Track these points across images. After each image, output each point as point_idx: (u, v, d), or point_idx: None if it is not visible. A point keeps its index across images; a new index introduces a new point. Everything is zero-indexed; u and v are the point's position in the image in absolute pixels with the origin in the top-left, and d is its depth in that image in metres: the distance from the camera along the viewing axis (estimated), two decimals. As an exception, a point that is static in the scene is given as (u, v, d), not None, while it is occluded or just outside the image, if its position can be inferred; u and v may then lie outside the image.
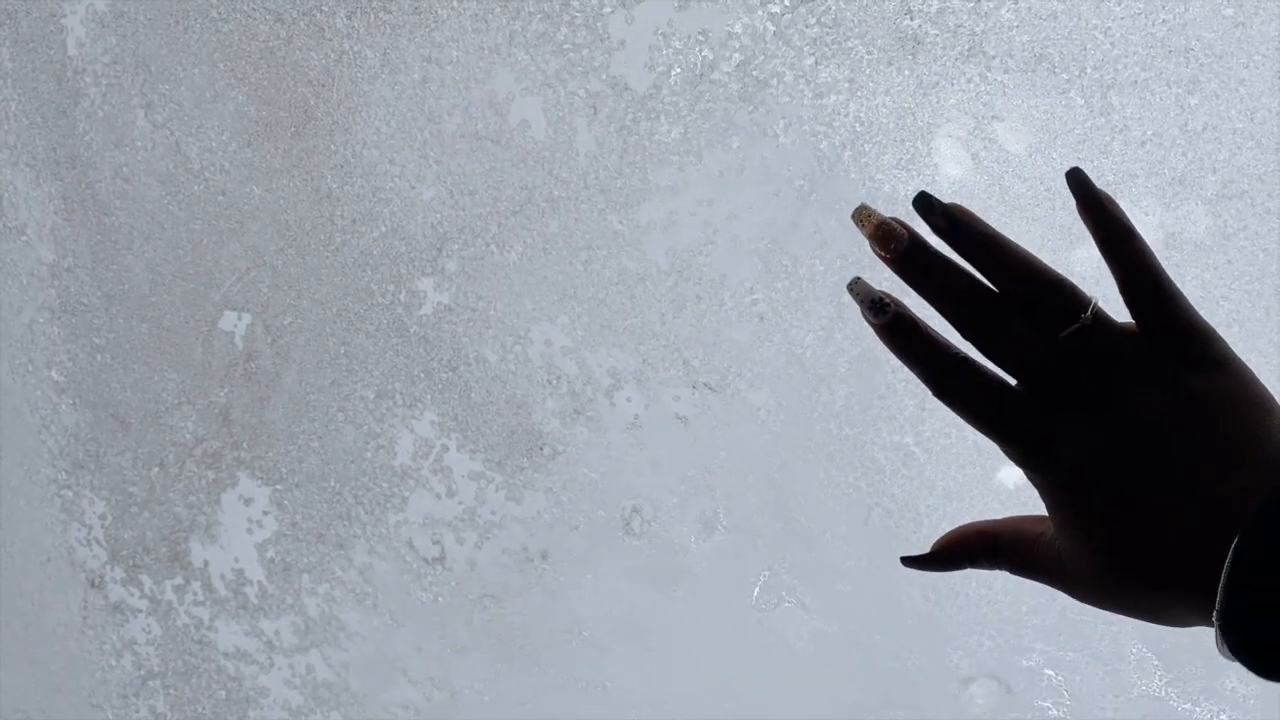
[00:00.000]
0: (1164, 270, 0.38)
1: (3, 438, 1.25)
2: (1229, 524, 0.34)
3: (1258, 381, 0.38)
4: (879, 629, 0.98)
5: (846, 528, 0.97)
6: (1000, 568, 0.42)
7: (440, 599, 1.10)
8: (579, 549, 1.05)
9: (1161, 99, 0.82)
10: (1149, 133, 0.83)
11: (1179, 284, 0.38)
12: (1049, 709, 0.97)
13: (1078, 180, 0.39)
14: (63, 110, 1.10)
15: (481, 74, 0.96)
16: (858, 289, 0.40)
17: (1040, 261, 0.38)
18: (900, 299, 0.40)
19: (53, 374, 1.19)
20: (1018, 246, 0.39)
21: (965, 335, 0.39)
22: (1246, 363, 0.38)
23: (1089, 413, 0.37)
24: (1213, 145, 0.83)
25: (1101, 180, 0.85)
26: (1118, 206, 0.39)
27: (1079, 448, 0.37)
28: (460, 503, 1.07)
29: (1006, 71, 0.85)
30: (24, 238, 1.17)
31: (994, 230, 0.39)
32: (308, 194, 1.04)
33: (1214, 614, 0.34)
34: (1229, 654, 0.34)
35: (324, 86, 1.01)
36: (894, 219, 0.39)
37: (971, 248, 0.39)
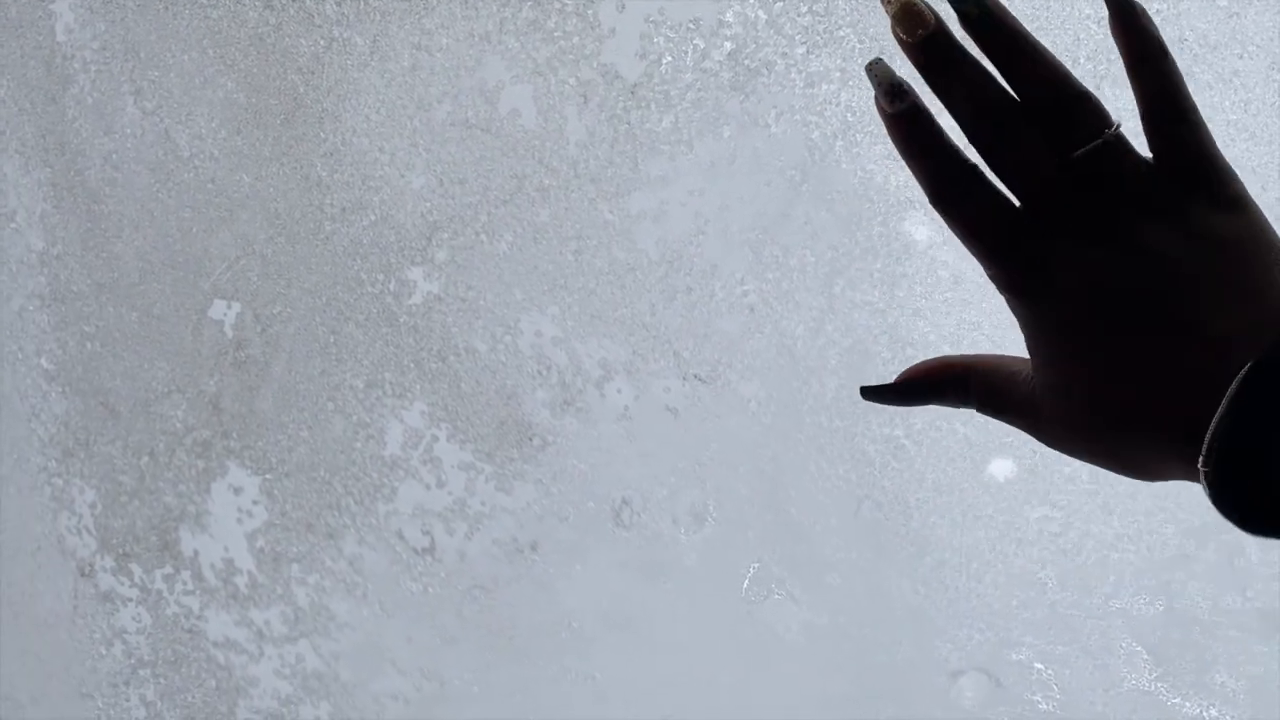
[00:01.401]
0: (1192, 98, 0.35)
1: (-7, 426, 1.24)
2: (1227, 364, 0.32)
3: (1271, 228, 0.35)
4: (869, 621, 0.98)
5: (837, 520, 0.97)
6: (969, 405, 0.40)
7: (430, 589, 1.09)
8: (569, 540, 1.04)
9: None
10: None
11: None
12: (1038, 703, 0.97)
13: None
14: (52, 97, 1.10)
15: (471, 61, 0.95)
16: (878, 69, 0.37)
17: (1068, 71, 0.36)
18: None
19: (42, 362, 1.19)
20: (1047, 51, 0.36)
21: (974, 139, 0.37)
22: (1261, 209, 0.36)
23: (1091, 239, 0.35)
24: (1206, 137, 0.82)
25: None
26: (1153, 22, 0.36)
27: (1075, 274, 0.35)
28: (450, 493, 1.06)
29: (999, 61, 0.84)
30: (13, 225, 1.16)
31: (1025, 30, 0.36)
32: (297, 182, 1.03)
33: (1200, 457, 0.32)
34: (1215, 498, 0.32)
35: (313, 74, 1.00)
36: (925, 1, 0.36)
37: (998, 43, 0.36)
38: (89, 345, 1.16)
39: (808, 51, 0.88)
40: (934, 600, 0.96)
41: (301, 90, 1.01)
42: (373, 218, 1.02)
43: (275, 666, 1.18)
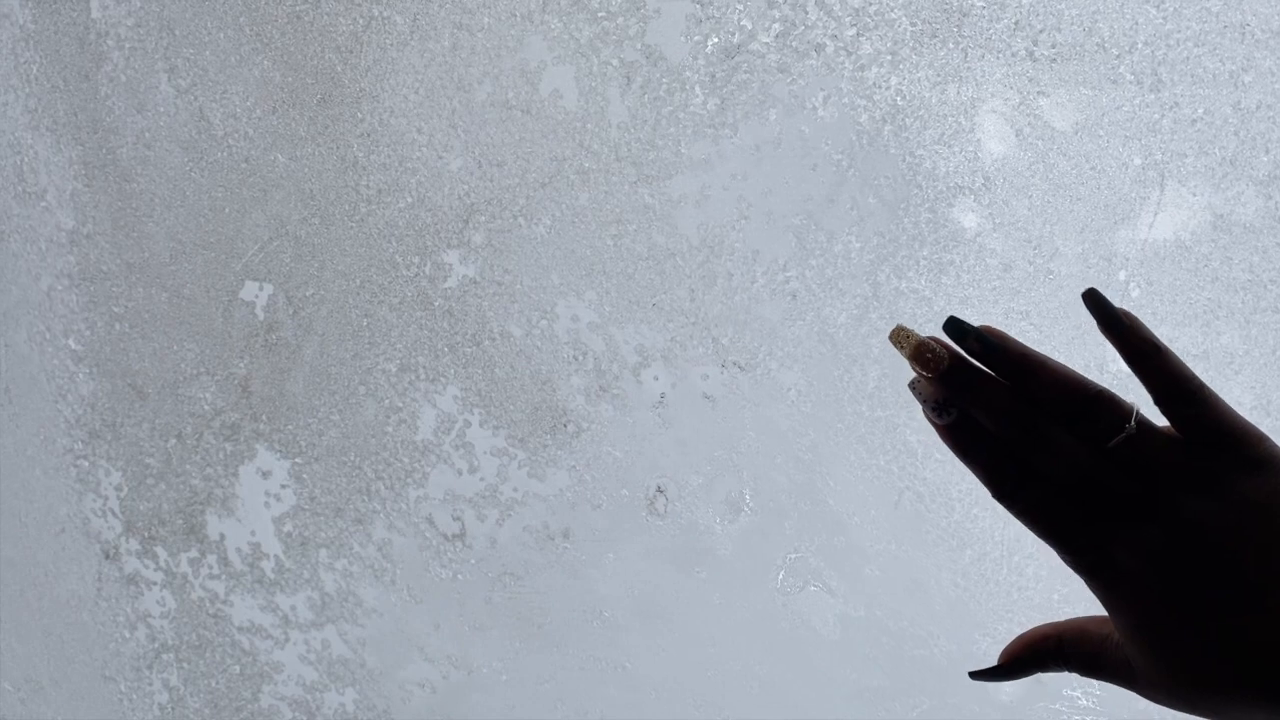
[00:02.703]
0: (1195, 377, 0.39)
1: (19, 406, 1.24)
2: None
3: None
4: (906, 615, 0.97)
5: (876, 511, 0.95)
6: (1069, 670, 0.43)
7: (459, 576, 1.08)
8: (601, 528, 1.03)
9: (1215, 76, 0.80)
10: (1200, 111, 0.81)
11: (1215, 388, 0.39)
12: (1078, 699, 0.95)
13: (1095, 300, 0.39)
14: (85, 74, 1.09)
15: (513, 41, 0.94)
16: (921, 390, 0.41)
17: (1077, 374, 0.39)
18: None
19: (70, 342, 1.18)
20: (1053, 363, 0.39)
21: (1012, 447, 0.40)
22: None
23: (1142, 520, 0.38)
24: (1266, 125, 0.80)
25: (1150, 159, 0.83)
26: (1139, 322, 0.40)
27: (1136, 555, 0.38)
28: (482, 479, 1.05)
29: (1054, 46, 0.83)
30: (44, 203, 1.15)
31: (1027, 349, 0.40)
32: (333, 163, 1.02)
33: None
34: None
35: (351, 53, 0.99)
36: (932, 339, 0.40)
37: (1008, 369, 0.40)
38: (118, 326, 1.15)
39: (858, 34, 0.87)
40: (974, 594, 0.95)
41: (339, 69, 0.99)
42: (409, 200, 1.00)
43: (301, 652, 1.17)
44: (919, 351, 0.40)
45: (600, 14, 0.92)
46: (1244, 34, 0.79)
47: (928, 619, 0.96)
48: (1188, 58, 0.81)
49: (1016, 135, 0.85)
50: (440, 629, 1.10)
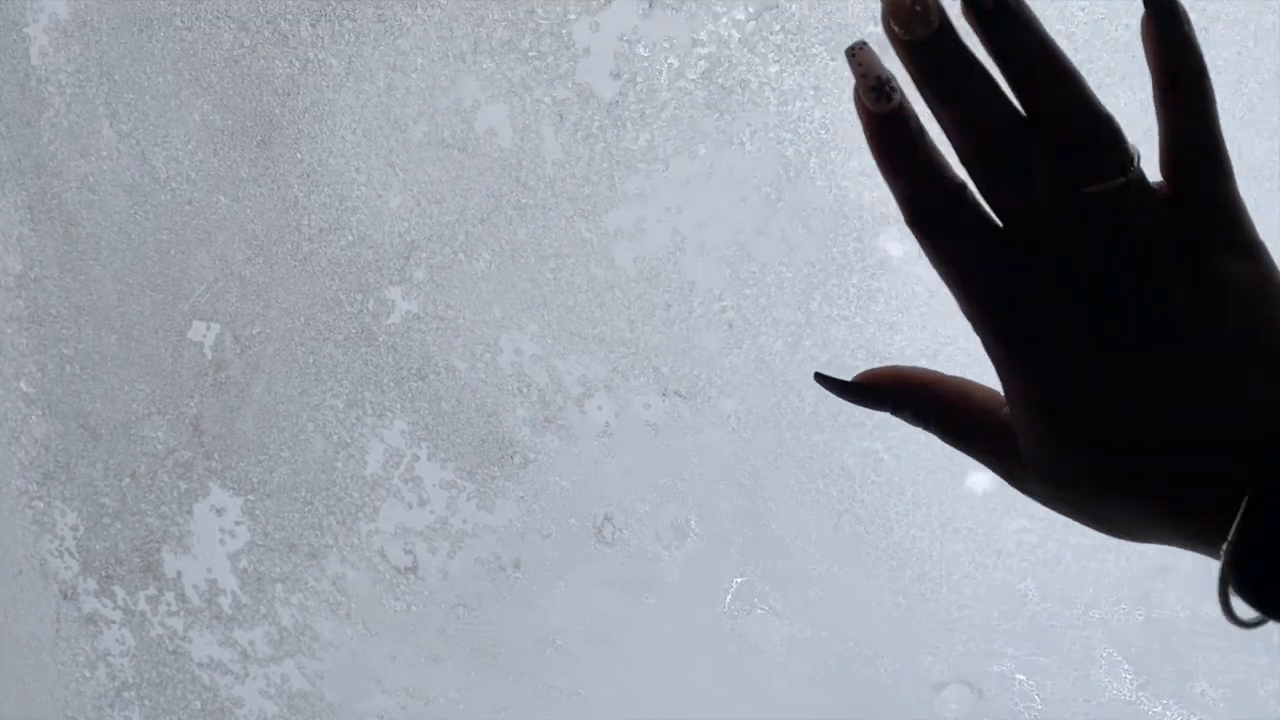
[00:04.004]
0: (1221, 129, 0.31)
1: (-27, 449, 1.24)
2: (1253, 442, 0.29)
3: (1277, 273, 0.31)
4: (851, 635, 0.98)
5: (817, 534, 0.97)
6: (927, 427, 0.36)
7: (413, 608, 1.09)
8: (551, 557, 1.04)
9: (1125, 103, 0.82)
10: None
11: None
12: (1021, 713, 0.97)
13: None
14: (27, 120, 1.10)
15: (446, 82, 0.96)
16: (862, 57, 0.31)
17: (1091, 91, 0.30)
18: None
19: (21, 385, 1.19)
20: (1070, 62, 0.30)
21: (973, 161, 0.31)
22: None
23: (1097, 286, 0.30)
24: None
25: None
26: (1196, 34, 0.31)
27: (1076, 323, 0.31)
28: (432, 512, 1.06)
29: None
30: (-10, 248, 1.16)
31: (1048, 33, 0.30)
32: (274, 203, 1.03)
33: (1224, 545, 0.29)
34: (1236, 589, 0.29)
35: (289, 95, 1.00)
36: None
37: (1014, 49, 0.30)
38: (68, 368, 1.16)
39: (781, 70, 0.88)
40: (916, 612, 0.96)
41: (277, 112, 1.01)
42: (350, 238, 1.02)
43: (260, 687, 1.17)
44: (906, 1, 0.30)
45: (531, 54, 0.93)
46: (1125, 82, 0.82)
47: (871, 638, 0.98)
48: (1099, 85, 0.83)
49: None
50: (396, 661, 1.11)
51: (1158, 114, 0.32)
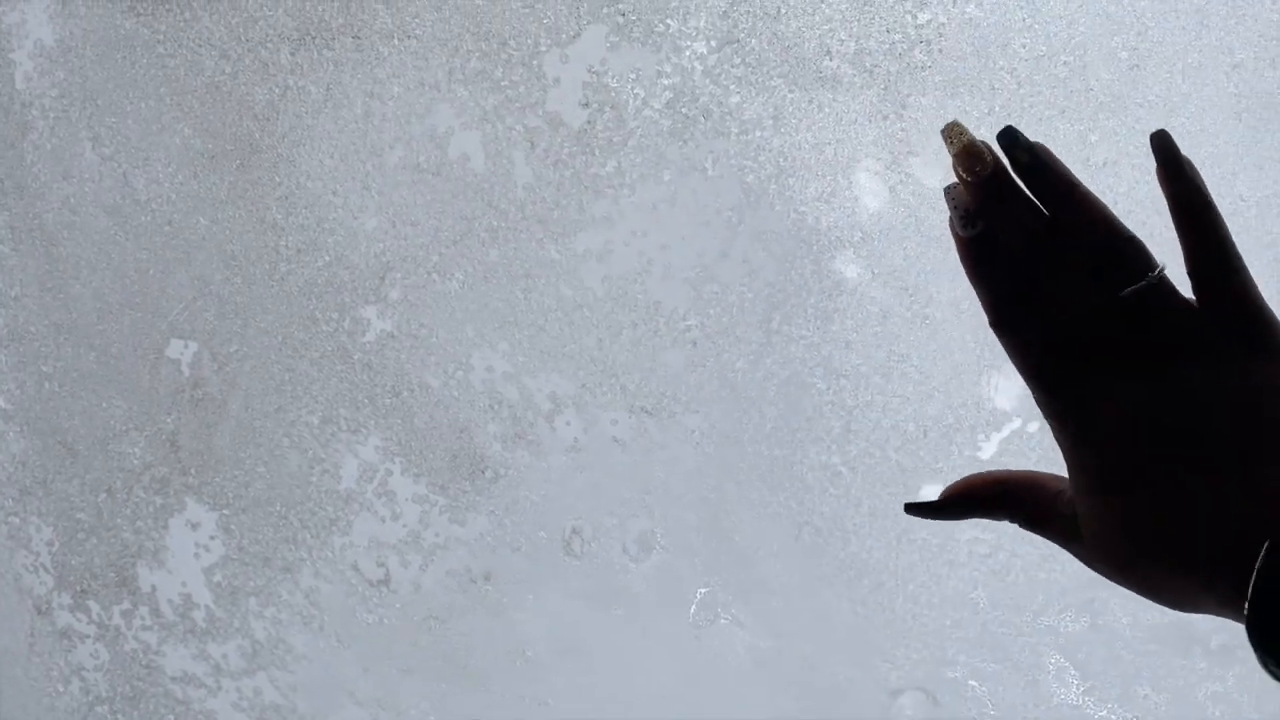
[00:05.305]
0: (1236, 247, 0.37)
1: (-51, 465, 1.25)
2: (1269, 509, 0.34)
3: None
4: (811, 643, 1.02)
5: (778, 545, 1.00)
6: (1012, 519, 0.41)
7: (385, 621, 1.12)
8: (521, 570, 1.07)
9: (1065, 135, 0.87)
10: (1054, 167, 0.88)
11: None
12: (975, 718, 1.01)
13: (1162, 142, 0.37)
14: (10, 142, 1.12)
15: (422, 109, 0.99)
16: (955, 195, 0.39)
17: (1115, 215, 0.37)
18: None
19: (0, 402, 1.20)
20: (1094, 196, 0.38)
21: (1024, 271, 0.38)
22: None
23: (1136, 376, 0.36)
24: (1113, 179, 0.88)
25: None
26: (1199, 174, 0.38)
27: (1119, 410, 0.36)
28: (404, 525, 1.09)
29: (921, 109, 0.90)
30: (-29, 267, 1.18)
31: (1075, 178, 0.38)
32: (253, 224, 1.06)
33: (1245, 603, 0.33)
34: (1258, 649, 0.33)
35: (269, 120, 1.03)
36: (983, 142, 0.38)
37: (1049, 189, 0.37)
38: (47, 385, 1.18)
39: (742, 100, 0.93)
40: (873, 621, 1.00)
41: (257, 136, 1.04)
42: (327, 258, 1.05)
43: (233, 700, 1.19)
44: (967, 150, 0.38)
45: (504, 83, 0.97)
46: (1089, 97, 0.87)
47: (830, 646, 1.01)
48: (1041, 119, 0.88)
49: (890, 191, 0.91)
50: (369, 673, 1.13)
51: (1180, 241, 0.38)
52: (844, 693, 1.02)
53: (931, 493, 0.97)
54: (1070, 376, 0.37)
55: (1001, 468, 0.44)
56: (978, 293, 0.39)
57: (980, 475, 0.42)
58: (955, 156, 0.38)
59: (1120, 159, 0.87)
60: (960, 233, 0.39)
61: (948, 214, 0.39)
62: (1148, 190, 0.87)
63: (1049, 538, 0.40)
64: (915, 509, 0.42)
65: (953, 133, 0.38)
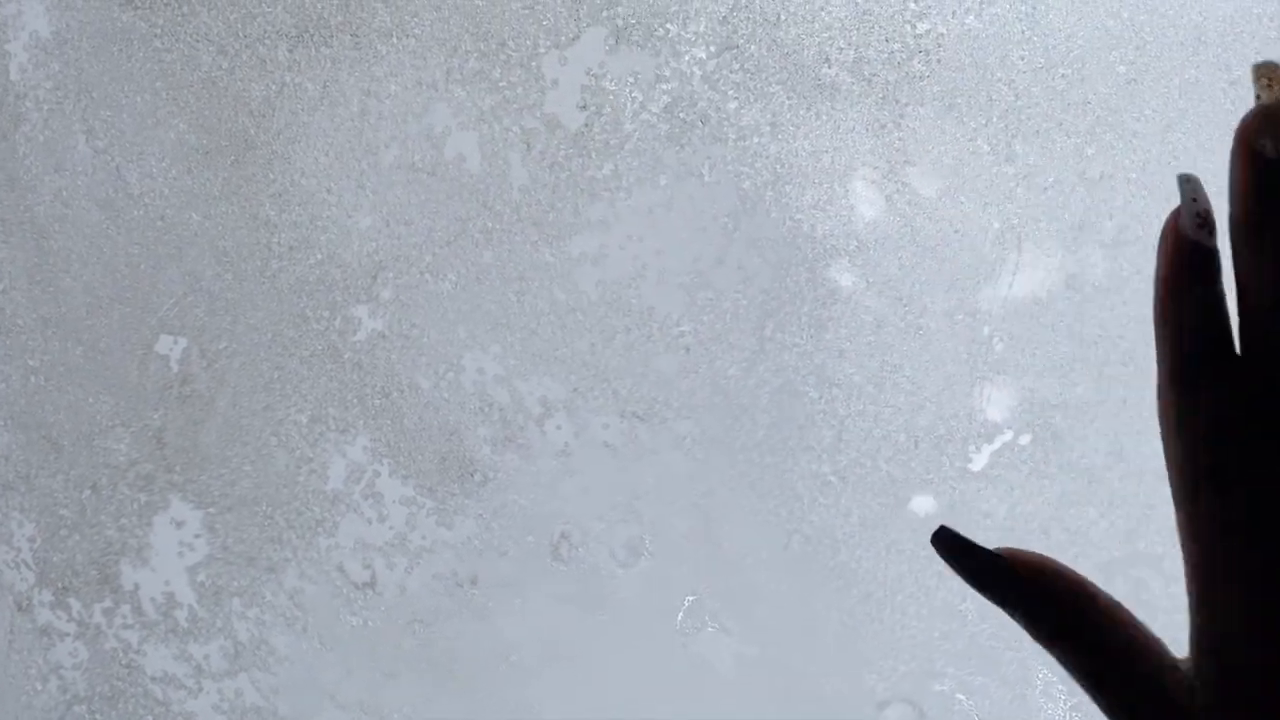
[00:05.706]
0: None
1: (-69, 458, 1.24)
2: None
3: None
4: (799, 653, 1.01)
5: (767, 554, 1.00)
6: (1067, 654, 0.29)
7: (370, 623, 1.11)
8: (508, 574, 1.06)
9: (1062, 148, 0.87)
10: (1050, 179, 0.88)
11: None
12: (961, 732, 1.00)
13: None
14: (3, 134, 1.11)
15: (418, 108, 0.99)
16: (1195, 185, 0.26)
17: None
18: None
19: (-15, 395, 1.19)
20: None
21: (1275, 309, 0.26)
22: None
23: None
24: (1109, 192, 0.88)
25: (1008, 224, 0.89)
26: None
27: None
28: (391, 528, 1.08)
29: (918, 119, 0.90)
30: (-41, 258, 1.17)
31: None
32: (246, 221, 1.05)
33: None
34: None
35: (264, 116, 1.03)
36: None
37: None
38: (33, 379, 1.17)
39: (739, 106, 0.93)
40: (861, 632, 0.99)
41: (252, 132, 1.03)
42: (319, 256, 1.04)
43: (214, 701, 1.18)
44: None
45: (501, 84, 0.97)
46: (1086, 110, 0.87)
47: (818, 656, 1.01)
48: (1038, 131, 0.88)
49: (886, 200, 0.91)
50: (352, 676, 1.12)
51: None
52: (830, 704, 1.01)
53: (921, 504, 0.97)
54: (1260, 461, 0.25)
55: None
56: (1163, 331, 0.27)
57: (1054, 561, 0.30)
58: (1270, 100, 0.26)
59: (1116, 173, 0.87)
60: (1190, 234, 0.27)
61: (1178, 204, 0.28)
62: (1143, 205, 0.88)
63: (1105, 699, 0.28)
64: (951, 547, 0.30)
65: (1270, 73, 0.27)
